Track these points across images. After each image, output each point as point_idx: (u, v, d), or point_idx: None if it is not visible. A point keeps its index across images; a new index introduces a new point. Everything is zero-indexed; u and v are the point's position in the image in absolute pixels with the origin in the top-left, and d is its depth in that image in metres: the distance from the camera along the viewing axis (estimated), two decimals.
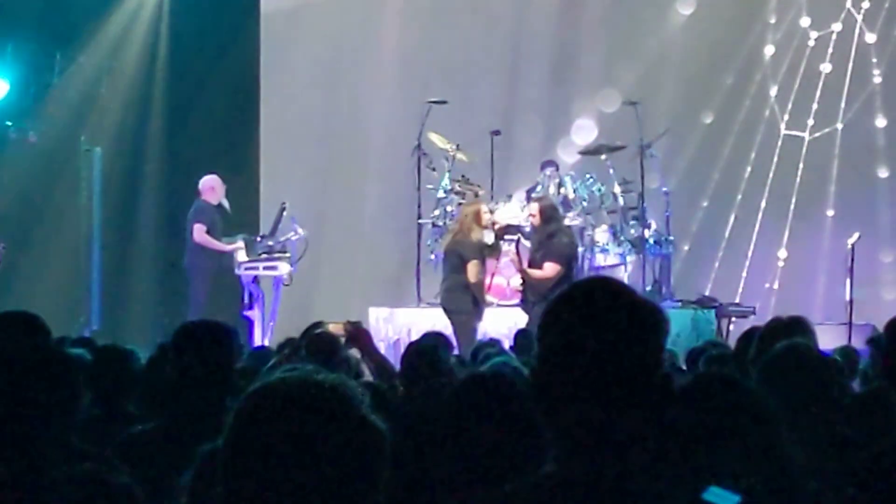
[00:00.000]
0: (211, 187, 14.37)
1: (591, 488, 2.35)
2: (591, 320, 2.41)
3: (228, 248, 14.17)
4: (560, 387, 2.40)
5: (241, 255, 14.08)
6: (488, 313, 12.78)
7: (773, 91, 17.09)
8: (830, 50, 16.89)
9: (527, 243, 13.02)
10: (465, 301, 12.20)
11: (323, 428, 2.16)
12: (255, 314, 14.05)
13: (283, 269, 13.97)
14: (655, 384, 2.41)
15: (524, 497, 2.43)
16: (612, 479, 2.36)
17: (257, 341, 13.34)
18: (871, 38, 16.79)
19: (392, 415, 4.81)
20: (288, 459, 2.13)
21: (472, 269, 12.23)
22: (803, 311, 6.59)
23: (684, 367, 7.84)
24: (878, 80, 16.79)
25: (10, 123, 14.63)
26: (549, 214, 12.55)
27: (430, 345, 7.67)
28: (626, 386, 2.39)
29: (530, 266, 12.34)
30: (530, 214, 12.68)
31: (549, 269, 12.12)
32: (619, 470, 2.37)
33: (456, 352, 9.68)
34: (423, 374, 6.62)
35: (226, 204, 14.39)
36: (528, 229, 13.08)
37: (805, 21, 17.03)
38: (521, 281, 12.45)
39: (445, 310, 12.31)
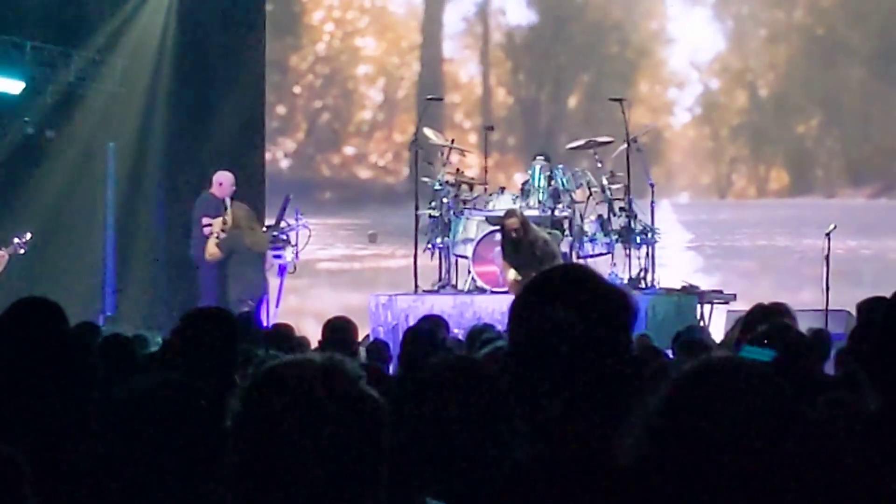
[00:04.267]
0: (219, 182, 14.35)
1: (566, 473, 2.32)
2: (560, 307, 2.39)
3: None
4: (531, 374, 2.39)
5: None
6: (483, 299, 13.36)
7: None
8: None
9: None
10: None
11: (323, 402, 2.25)
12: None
13: (288, 256, 14.35)
14: (626, 367, 2.41)
15: (501, 485, 2.44)
16: (585, 462, 2.32)
17: None
18: None
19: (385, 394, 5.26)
20: (294, 434, 2.23)
21: None
22: (789, 298, 6.94)
23: (668, 352, 8.13)
24: None
25: (27, 120, 14.85)
26: (527, 222, 13.15)
27: (427, 328, 8.03)
28: (598, 370, 2.37)
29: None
30: (513, 229, 13.06)
31: None
32: (591, 452, 2.33)
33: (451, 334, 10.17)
34: (421, 355, 6.84)
35: (228, 203, 14.32)
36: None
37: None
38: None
39: None
